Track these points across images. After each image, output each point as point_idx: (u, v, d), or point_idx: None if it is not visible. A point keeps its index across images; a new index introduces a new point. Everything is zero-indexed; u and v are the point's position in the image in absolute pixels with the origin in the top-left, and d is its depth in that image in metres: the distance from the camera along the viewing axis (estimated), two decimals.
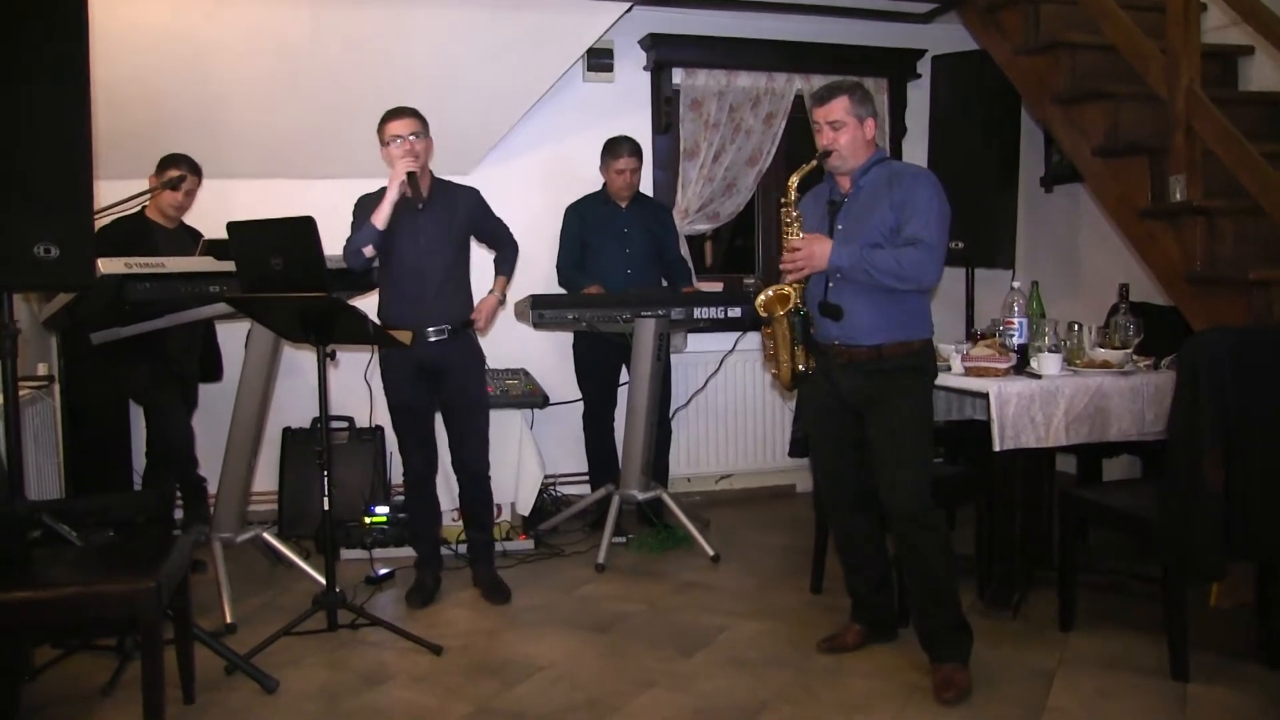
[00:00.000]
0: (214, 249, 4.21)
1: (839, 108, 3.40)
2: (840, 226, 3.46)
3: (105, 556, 3.13)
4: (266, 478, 5.31)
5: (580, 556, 4.98)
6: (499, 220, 4.47)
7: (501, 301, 4.44)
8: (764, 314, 3.48)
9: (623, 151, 5.25)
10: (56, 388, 4.63)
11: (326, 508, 3.82)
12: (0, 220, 2.99)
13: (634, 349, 4.98)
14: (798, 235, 3.42)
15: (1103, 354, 4.24)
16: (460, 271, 4.32)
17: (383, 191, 4.08)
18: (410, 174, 4.05)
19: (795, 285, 3.45)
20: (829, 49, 6.02)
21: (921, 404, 3.50)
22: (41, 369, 4.65)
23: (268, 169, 5.37)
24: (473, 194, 4.36)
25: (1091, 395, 3.99)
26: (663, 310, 4.91)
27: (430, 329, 4.19)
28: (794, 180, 3.41)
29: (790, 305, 3.45)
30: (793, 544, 5.11)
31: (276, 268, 3.68)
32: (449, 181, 4.34)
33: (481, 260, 4.58)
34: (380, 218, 4.03)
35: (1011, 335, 4.15)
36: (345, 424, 5.45)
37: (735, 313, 4.98)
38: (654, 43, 5.76)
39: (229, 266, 3.99)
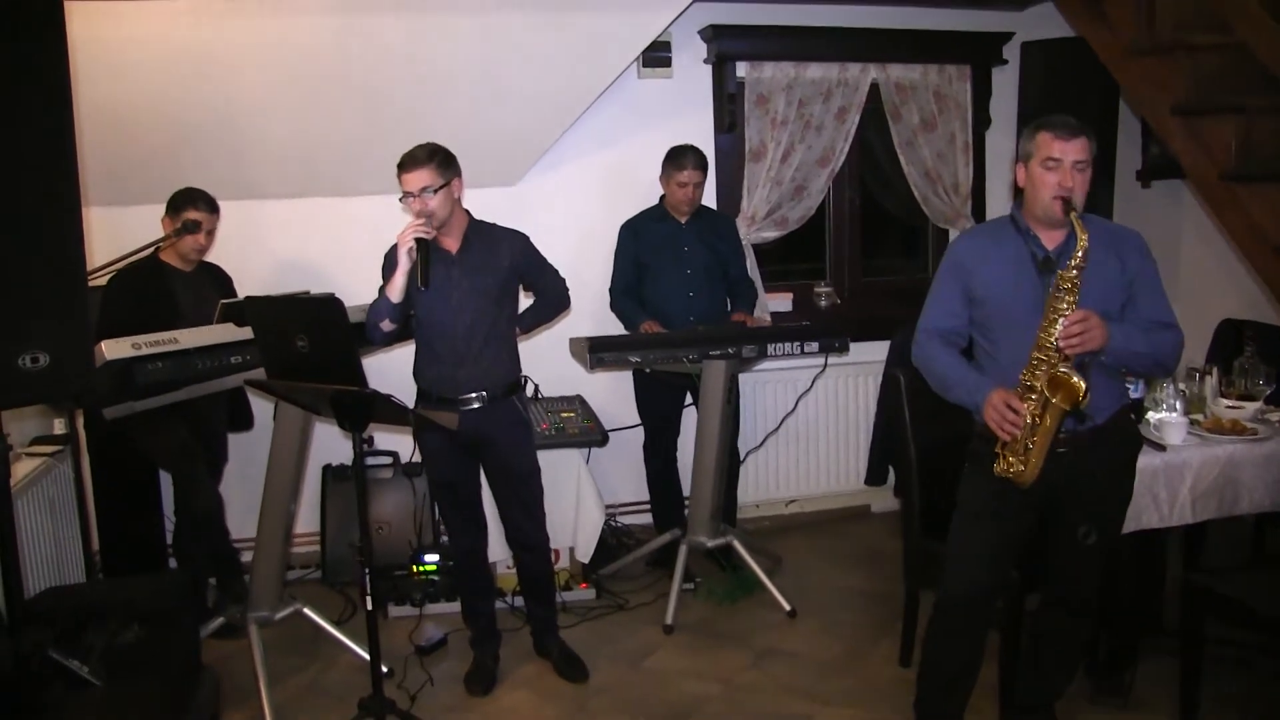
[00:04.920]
0: (232, 313, 3.77)
1: (1085, 147, 2.86)
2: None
3: (124, 706, 2.79)
4: (308, 518, 4.95)
5: (645, 609, 4.61)
6: (551, 269, 3.96)
7: None
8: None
9: (687, 163, 4.67)
10: (77, 447, 4.29)
11: (369, 607, 3.44)
12: None
13: (702, 392, 4.53)
14: (1073, 304, 2.82)
15: (1229, 409, 3.79)
16: (502, 329, 3.81)
17: None
18: (420, 241, 3.50)
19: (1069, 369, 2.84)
20: (907, 35, 5.45)
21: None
22: (58, 425, 4.31)
23: (299, 187, 4.93)
24: (519, 239, 3.83)
25: (1222, 466, 3.57)
26: (733, 349, 4.40)
27: (465, 396, 3.74)
28: (1084, 240, 2.79)
29: (1078, 397, 2.79)
30: (875, 589, 4.74)
31: (302, 350, 3.25)
32: (490, 225, 3.80)
33: None
34: (394, 290, 3.56)
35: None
36: (389, 459, 5.08)
37: (813, 347, 4.49)
38: (715, 34, 5.19)
39: (250, 333, 3.60)
